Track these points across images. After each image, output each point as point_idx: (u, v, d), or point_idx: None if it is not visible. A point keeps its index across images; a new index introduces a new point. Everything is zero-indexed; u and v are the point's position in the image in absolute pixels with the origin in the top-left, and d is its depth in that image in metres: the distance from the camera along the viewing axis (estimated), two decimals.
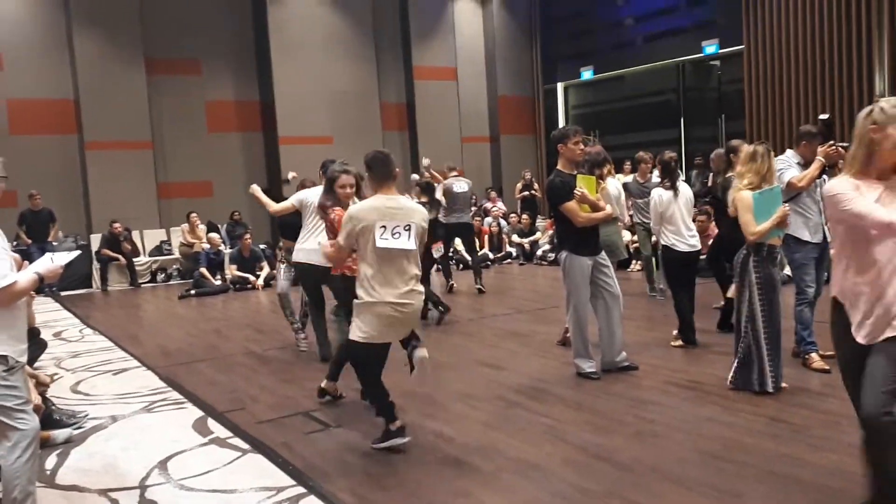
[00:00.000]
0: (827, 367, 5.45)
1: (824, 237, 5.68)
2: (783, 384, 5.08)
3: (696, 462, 3.96)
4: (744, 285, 5.05)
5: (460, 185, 10.77)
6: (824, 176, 5.70)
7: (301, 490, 3.88)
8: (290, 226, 7.02)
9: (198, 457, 4.50)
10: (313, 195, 6.38)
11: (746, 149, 5.30)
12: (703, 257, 10.30)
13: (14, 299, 3.39)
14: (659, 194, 6.75)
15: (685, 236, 6.65)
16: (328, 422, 5.01)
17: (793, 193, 5.57)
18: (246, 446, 4.62)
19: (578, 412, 4.93)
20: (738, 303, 5.13)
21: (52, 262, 3.63)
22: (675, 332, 6.70)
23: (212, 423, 5.13)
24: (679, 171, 7.24)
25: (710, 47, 15.30)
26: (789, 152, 5.82)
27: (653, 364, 6.01)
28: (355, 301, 4.31)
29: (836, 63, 12.78)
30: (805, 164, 5.61)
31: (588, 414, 4.88)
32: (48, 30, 14.45)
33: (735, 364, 5.16)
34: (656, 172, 8.83)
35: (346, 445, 4.56)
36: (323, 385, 5.44)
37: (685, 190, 6.84)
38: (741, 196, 4.99)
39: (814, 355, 5.57)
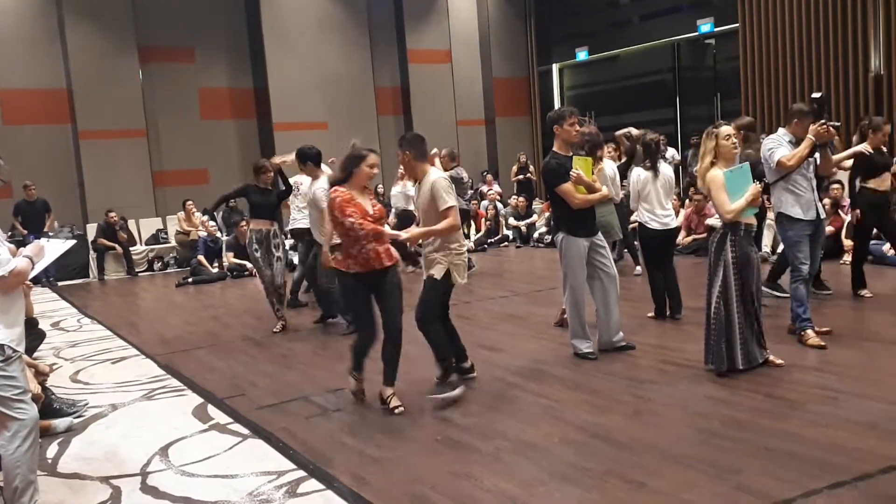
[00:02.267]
0: (823, 344, 5.48)
1: (818, 214, 5.69)
2: (778, 361, 5.09)
3: (693, 440, 3.98)
4: (718, 263, 5.00)
5: (459, 173, 10.78)
6: (816, 154, 5.70)
7: (302, 474, 3.90)
8: (265, 206, 7.58)
9: (198, 443, 4.52)
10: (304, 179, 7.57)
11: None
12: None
13: (18, 283, 3.44)
14: (637, 174, 6.90)
15: (659, 215, 6.81)
16: (328, 406, 5.03)
17: (783, 172, 5.57)
18: (246, 431, 4.64)
19: (576, 392, 4.95)
20: (710, 280, 5.06)
21: (44, 249, 3.66)
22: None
23: (212, 410, 5.15)
24: (664, 150, 7.32)
25: (706, 26, 15.24)
26: (781, 130, 5.82)
27: (650, 343, 6.04)
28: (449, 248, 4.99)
29: (831, 41, 12.74)
30: (796, 143, 5.61)
31: (586, 394, 4.90)
32: (40, 19, 14.36)
33: (706, 342, 5.15)
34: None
35: (347, 429, 4.58)
36: (388, 394, 4.91)
37: (665, 170, 6.96)
38: (712, 176, 4.97)
39: (809, 332, 5.59)
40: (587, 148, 6.24)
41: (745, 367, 4.99)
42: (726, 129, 5.04)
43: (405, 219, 10.88)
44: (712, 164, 5.00)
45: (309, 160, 7.46)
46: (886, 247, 8.95)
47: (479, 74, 18.79)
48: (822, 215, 5.80)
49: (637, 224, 7.10)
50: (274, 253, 7.49)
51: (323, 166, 7.68)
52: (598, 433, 4.16)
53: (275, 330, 7.60)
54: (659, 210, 6.79)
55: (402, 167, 5.18)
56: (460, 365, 5.32)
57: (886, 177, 7.45)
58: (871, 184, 7.28)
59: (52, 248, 3.89)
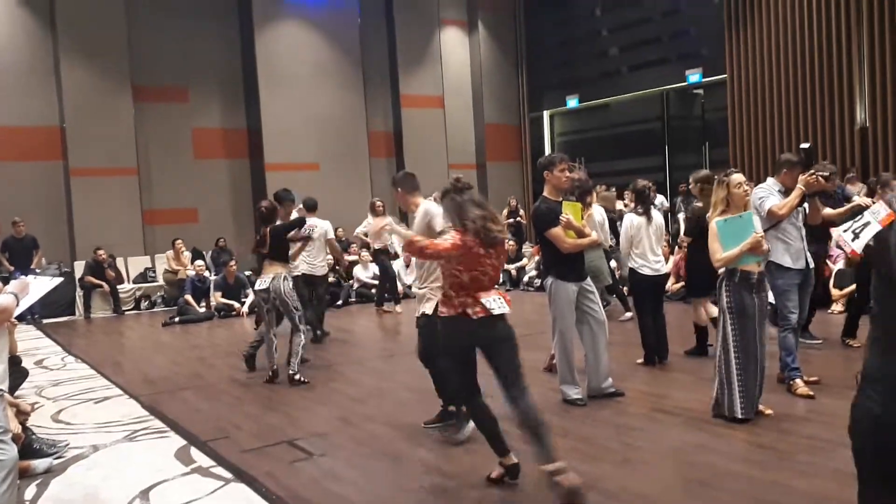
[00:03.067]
0: (811, 393, 5.47)
1: (807, 263, 5.73)
2: (768, 411, 5.07)
3: (683, 489, 3.94)
4: (720, 311, 5.07)
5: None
6: (805, 204, 5.77)
7: None
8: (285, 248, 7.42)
9: (180, 486, 4.43)
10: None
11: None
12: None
13: (2, 321, 3.42)
14: (630, 219, 6.97)
15: (650, 261, 6.89)
16: (312, 451, 4.96)
17: (774, 221, 5.62)
18: (229, 475, 4.56)
19: (565, 439, 4.90)
20: (717, 329, 5.15)
21: (28, 286, 3.63)
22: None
23: (195, 452, 5.06)
24: (654, 197, 7.42)
25: (694, 76, 15.52)
26: (770, 180, 5.89)
27: (639, 390, 6.01)
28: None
29: (817, 92, 12.98)
30: (786, 192, 5.67)
31: (574, 441, 4.85)
32: (35, 56, 14.44)
33: (713, 391, 5.15)
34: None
35: (331, 474, 4.51)
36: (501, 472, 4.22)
37: (657, 217, 7.07)
38: (710, 225, 5.07)
39: (798, 381, 5.58)
40: (577, 193, 6.29)
41: (744, 416, 4.92)
42: (737, 178, 5.04)
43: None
44: (723, 212, 5.03)
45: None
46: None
47: (472, 120, 19.00)
48: (811, 265, 5.84)
49: (630, 270, 7.13)
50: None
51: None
52: (587, 482, 4.10)
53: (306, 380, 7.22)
54: (651, 256, 6.87)
55: (400, 205, 5.27)
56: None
57: None
58: None
59: (38, 285, 3.86)
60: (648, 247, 6.87)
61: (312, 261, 8.88)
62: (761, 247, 4.94)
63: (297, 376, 6.94)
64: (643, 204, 6.96)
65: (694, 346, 7.21)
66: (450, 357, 4.15)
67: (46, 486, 4.56)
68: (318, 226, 8.86)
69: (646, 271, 6.86)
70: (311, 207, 9.09)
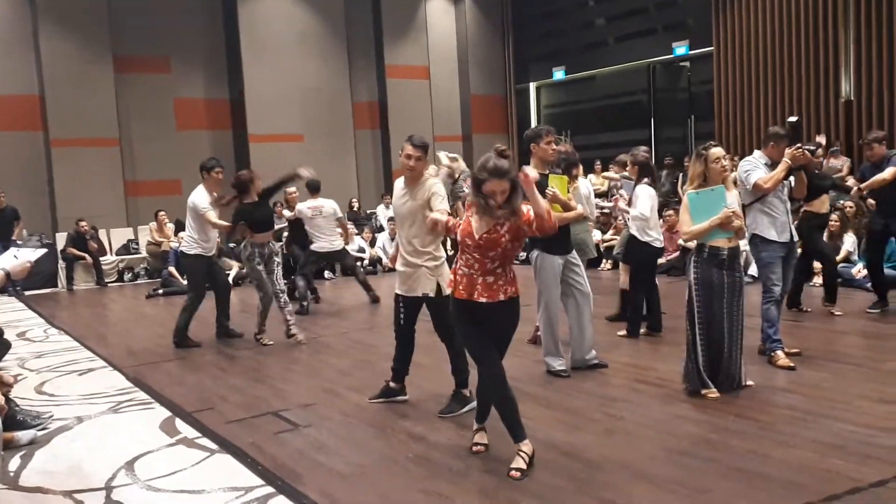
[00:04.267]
0: (792, 365, 5.53)
1: (791, 237, 5.77)
2: (749, 381, 5.12)
3: (664, 459, 3.99)
4: (687, 285, 5.04)
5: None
6: (791, 177, 5.80)
7: (270, 490, 3.85)
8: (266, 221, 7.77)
9: (165, 457, 4.44)
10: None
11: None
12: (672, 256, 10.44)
13: None
14: (648, 191, 6.85)
15: (658, 233, 6.96)
16: (298, 422, 4.97)
17: (759, 194, 5.64)
18: (214, 446, 4.57)
19: (549, 410, 4.95)
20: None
21: (17, 258, 3.58)
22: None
23: (179, 424, 5.07)
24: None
25: (681, 49, 15.46)
26: (757, 153, 5.90)
27: (622, 362, 6.06)
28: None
29: (803, 66, 12.98)
30: (772, 165, 5.69)
31: (558, 412, 4.90)
32: (13, 25, 14.20)
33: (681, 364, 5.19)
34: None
35: (316, 445, 4.53)
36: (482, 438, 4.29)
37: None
38: (684, 197, 5.05)
39: (779, 353, 5.64)
40: (563, 166, 6.27)
41: (705, 392, 4.93)
42: (716, 152, 4.94)
43: None
44: (699, 187, 4.97)
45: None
46: (855, 269, 9.10)
47: (457, 91, 18.87)
48: (795, 238, 5.88)
49: (639, 243, 7.03)
50: (274, 260, 7.64)
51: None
52: (570, 451, 4.15)
53: (268, 342, 7.54)
54: (655, 229, 6.90)
55: (410, 166, 4.99)
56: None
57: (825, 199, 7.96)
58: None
59: (23, 256, 3.82)
60: (653, 219, 6.88)
61: (329, 237, 9.49)
62: (731, 223, 4.82)
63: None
64: (650, 175, 6.96)
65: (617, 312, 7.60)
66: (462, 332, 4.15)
67: (31, 458, 4.55)
68: (325, 206, 9.42)
69: (657, 244, 6.91)
70: (314, 189, 9.49)
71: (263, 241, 7.55)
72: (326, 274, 12.91)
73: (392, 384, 5.31)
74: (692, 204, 4.91)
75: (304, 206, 9.52)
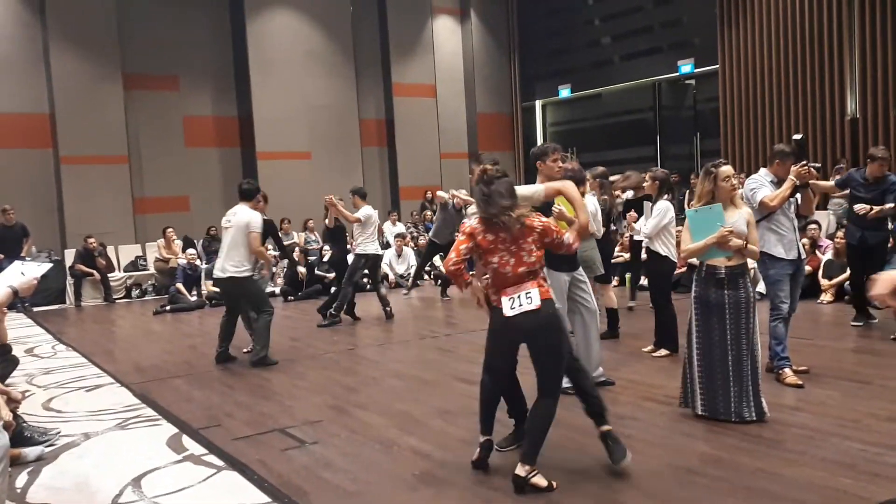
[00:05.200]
0: (800, 383, 5.51)
1: (799, 254, 5.77)
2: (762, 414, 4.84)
3: (671, 477, 3.97)
4: (690, 304, 5.00)
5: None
6: (797, 195, 5.80)
7: None
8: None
9: (172, 474, 4.44)
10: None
11: None
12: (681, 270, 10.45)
13: None
14: (667, 207, 6.89)
15: (672, 250, 6.96)
16: (304, 439, 4.97)
17: (766, 212, 5.64)
18: (221, 463, 4.57)
19: (555, 428, 4.89)
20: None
21: (24, 274, 3.60)
22: (652, 346, 7.01)
23: (186, 440, 5.07)
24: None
25: (686, 66, 15.54)
26: (762, 171, 5.90)
27: (630, 379, 6.04)
28: None
29: (808, 83, 13.02)
30: (778, 183, 5.69)
31: (565, 430, 4.87)
32: (24, 44, 14.35)
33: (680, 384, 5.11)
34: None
35: (323, 462, 4.53)
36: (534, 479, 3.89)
37: None
38: (686, 214, 5.03)
39: (787, 370, 5.62)
40: None
41: (703, 413, 4.84)
42: (726, 170, 4.86)
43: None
44: (708, 205, 4.88)
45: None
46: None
47: (464, 109, 18.98)
48: (803, 255, 5.87)
49: (660, 258, 7.01)
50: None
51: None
52: (577, 469, 4.14)
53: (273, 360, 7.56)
54: (672, 244, 6.92)
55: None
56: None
57: None
58: None
59: (29, 271, 3.85)
60: (671, 234, 6.92)
61: (375, 243, 9.82)
62: (727, 241, 4.72)
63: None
64: (669, 191, 7.04)
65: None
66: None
67: (38, 474, 4.56)
68: (374, 213, 9.82)
69: (674, 259, 6.98)
70: (363, 195, 9.92)
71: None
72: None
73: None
74: (691, 222, 4.88)
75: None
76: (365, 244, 9.57)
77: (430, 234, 11.83)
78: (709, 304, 4.84)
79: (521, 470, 3.83)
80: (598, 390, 4.41)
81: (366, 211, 9.57)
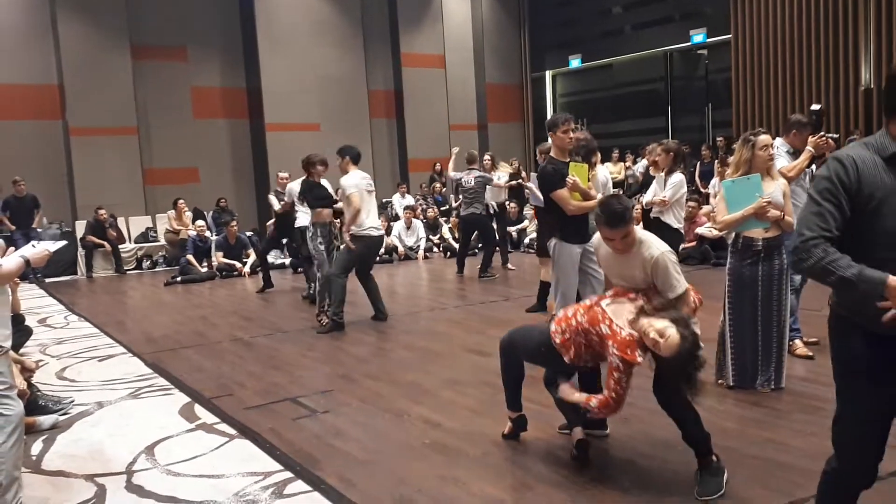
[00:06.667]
0: (810, 354, 5.51)
1: None
2: (782, 384, 4.88)
3: (680, 447, 3.98)
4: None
5: (468, 179, 10.63)
6: (812, 166, 5.75)
7: (288, 475, 3.89)
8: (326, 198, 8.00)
9: (185, 442, 4.49)
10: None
11: None
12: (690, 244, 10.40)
13: (4, 281, 3.40)
14: (682, 179, 6.76)
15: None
16: (316, 408, 5.01)
17: None
18: (233, 432, 4.62)
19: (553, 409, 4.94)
20: None
21: (46, 258, 3.64)
22: None
23: (199, 409, 5.12)
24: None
25: (698, 36, 15.36)
26: (778, 140, 5.83)
27: None
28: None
29: (822, 53, 12.85)
30: (794, 153, 5.63)
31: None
32: (32, 14, 14.29)
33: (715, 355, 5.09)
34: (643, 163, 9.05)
35: (334, 431, 4.57)
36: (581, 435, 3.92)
37: None
38: (721, 185, 4.97)
39: (798, 342, 5.61)
40: (582, 153, 6.25)
41: (735, 384, 4.88)
42: (764, 139, 4.81)
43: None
44: (745, 174, 4.82)
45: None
46: None
47: (473, 79, 18.83)
48: None
49: (673, 230, 7.00)
50: (334, 243, 7.81)
51: None
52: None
53: (320, 331, 7.48)
54: (682, 217, 6.89)
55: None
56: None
57: None
58: None
59: (42, 246, 3.86)
60: (682, 208, 6.88)
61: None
62: (766, 213, 4.66)
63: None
64: (682, 162, 6.93)
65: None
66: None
67: (53, 442, 4.62)
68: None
69: (682, 232, 6.96)
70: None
71: (325, 221, 7.87)
72: None
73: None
74: (728, 193, 4.80)
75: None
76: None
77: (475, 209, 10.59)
78: (742, 276, 4.82)
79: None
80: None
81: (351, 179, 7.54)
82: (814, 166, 5.75)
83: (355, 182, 7.44)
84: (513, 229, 14.34)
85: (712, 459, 3.55)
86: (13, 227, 12.41)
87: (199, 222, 13.33)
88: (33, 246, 3.66)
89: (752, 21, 13.83)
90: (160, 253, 14.35)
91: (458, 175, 10.73)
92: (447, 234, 13.96)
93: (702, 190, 12.80)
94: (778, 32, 13.44)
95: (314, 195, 7.96)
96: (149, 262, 14.23)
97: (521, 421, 4.20)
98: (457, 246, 12.20)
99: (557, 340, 3.64)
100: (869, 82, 12.38)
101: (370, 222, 7.53)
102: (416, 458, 4.06)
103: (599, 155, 7.00)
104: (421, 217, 14.48)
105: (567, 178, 5.44)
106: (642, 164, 12.60)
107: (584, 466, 3.78)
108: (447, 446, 4.19)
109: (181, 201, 14.15)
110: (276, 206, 10.08)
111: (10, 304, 3.60)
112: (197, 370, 6.24)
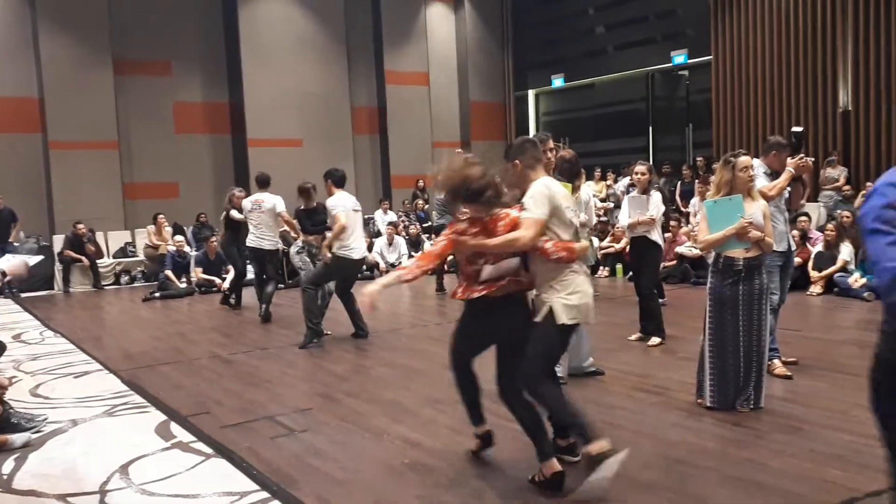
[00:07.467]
0: (789, 374, 5.53)
1: (789, 246, 5.78)
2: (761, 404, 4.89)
3: (660, 467, 3.98)
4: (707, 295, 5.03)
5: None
6: (788, 187, 5.80)
7: (265, 495, 3.83)
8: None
9: (160, 461, 4.42)
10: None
11: None
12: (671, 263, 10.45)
13: None
14: (660, 197, 7.01)
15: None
16: (294, 426, 4.96)
17: None
18: (209, 451, 4.55)
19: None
20: None
21: (24, 271, 3.58)
22: (640, 334, 7.08)
23: (175, 428, 5.05)
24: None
25: (679, 57, 15.51)
26: (756, 161, 5.88)
27: (619, 369, 6.05)
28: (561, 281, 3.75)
29: (801, 75, 13.01)
30: (772, 174, 5.68)
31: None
32: (13, 28, 14.22)
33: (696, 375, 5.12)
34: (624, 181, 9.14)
35: (313, 450, 4.52)
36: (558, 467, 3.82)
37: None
38: (702, 205, 5.01)
39: (776, 362, 5.63)
40: (567, 174, 6.26)
41: (712, 405, 4.85)
42: (744, 160, 4.84)
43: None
44: (727, 195, 4.84)
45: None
46: (852, 279, 9.10)
47: (457, 97, 18.90)
48: (793, 247, 5.88)
49: (653, 246, 7.05)
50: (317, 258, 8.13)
51: None
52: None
53: (301, 346, 7.51)
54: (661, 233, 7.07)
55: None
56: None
57: None
58: None
59: (21, 260, 3.81)
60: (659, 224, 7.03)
61: (260, 234, 9.27)
62: (747, 233, 4.71)
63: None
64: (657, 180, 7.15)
65: None
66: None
67: (25, 461, 4.53)
68: (266, 201, 9.21)
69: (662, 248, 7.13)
70: (262, 183, 9.42)
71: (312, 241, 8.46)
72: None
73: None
74: (710, 212, 4.83)
75: (248, 201, 9.43)
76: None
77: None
78: (723, 296, 4.83)
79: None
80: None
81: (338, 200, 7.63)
82: (789, 187, 5.80)
83: (342, 203, 7.53)
84: None
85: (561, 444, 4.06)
86: None
87: (179, 237, 13.24)
88: (8, 260, 3.61)
89: (733, 43, 14.00)
90: (139, 268, 14.21)
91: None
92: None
93: (682, 209, 12.89)
94: (758, 54, 13.60)
95: (313, 221, 8.41)
96: (127, 278, 14.08)
97: (487, 437, 4.20)
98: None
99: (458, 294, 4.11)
100: (847, 104, 12.54)
101: (354, 243, 7.54)
102: (395, 478, 4.02)
103: (584, 176, 7.05)
104: (403, 234, 14.46)
105: None
106: (623, 182, 12.70)
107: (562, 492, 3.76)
108: (427, 466, 4.16)
109: (161, 216, 14.04)
110: (239, 216, 9.88)
111: None
112: (174, 387, 6.16)
